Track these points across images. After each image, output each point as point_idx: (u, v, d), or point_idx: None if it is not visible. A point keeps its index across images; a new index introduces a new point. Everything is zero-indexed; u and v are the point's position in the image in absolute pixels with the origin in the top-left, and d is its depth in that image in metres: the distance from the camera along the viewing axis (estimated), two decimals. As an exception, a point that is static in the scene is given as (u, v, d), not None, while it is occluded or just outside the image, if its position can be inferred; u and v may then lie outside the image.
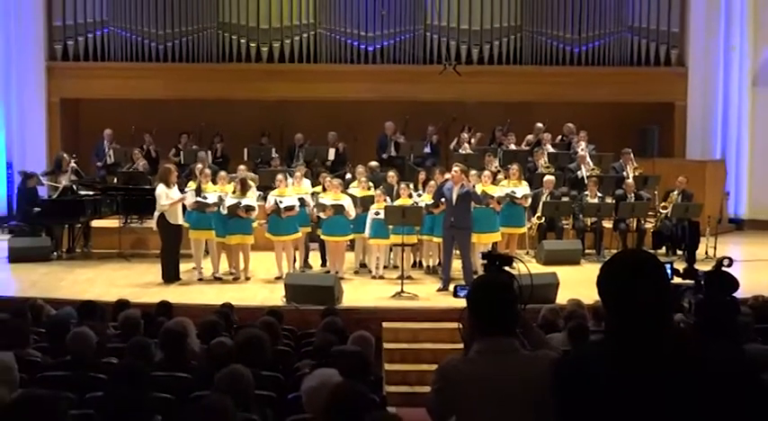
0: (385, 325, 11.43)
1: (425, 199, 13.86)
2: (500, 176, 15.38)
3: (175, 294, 12.28)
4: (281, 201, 13.52)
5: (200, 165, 14.72)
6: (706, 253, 14.98)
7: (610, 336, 2.94)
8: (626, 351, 2.83)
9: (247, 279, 13.73)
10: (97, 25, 19.48)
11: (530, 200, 14.91)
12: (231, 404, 4.44)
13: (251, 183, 14.44)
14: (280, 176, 14.06)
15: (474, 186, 13.14)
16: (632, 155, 17.15)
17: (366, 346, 7.01)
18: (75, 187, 16.16)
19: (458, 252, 13.06)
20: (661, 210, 15.85)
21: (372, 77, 19.59)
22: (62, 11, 19.39)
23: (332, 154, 17.89)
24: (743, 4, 19.14)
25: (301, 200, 13.78)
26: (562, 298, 10.83)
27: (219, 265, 13.94)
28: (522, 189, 14.84)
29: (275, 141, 18.93)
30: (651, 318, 2.83)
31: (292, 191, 13.91)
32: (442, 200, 13.30)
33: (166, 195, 13.35)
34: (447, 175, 14.13)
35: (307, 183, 15.09)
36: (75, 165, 16.47)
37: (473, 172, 14.05)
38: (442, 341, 10.80)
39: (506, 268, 4.33)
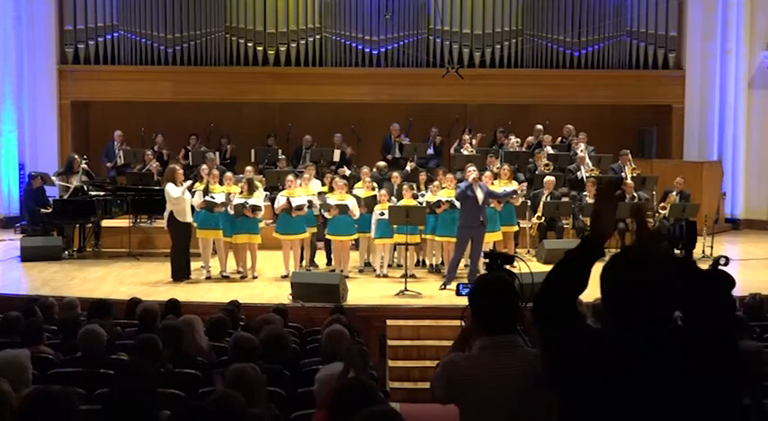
0: (389, 322, 11.58)
1: (428, 199, 14.02)
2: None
3: (183, 292, 12.47)
4: (292, 201, 13.67)
5: (204, 167, 14.82)
6: (703, 252, 15.06)
7: (605, 322, 3.01)
8: (621, 333, 2.89)
9: (254, 277, 13.86)
10: (107, 29, 19.57)
11: (521, 199, 14.94)
12: (242, 399, 4.47)
13: (258, 183, 14.68)
14: (290, 177, 14.18)
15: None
16: (630, 156, 17.19)
17: (339, 341, 6.88)
18: (85, 188, 16.30)
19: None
20: (660, 211, 15.96)
21: (376, 80, 19.77)
22: (73, 15, 19.47)
23: (337, 155, 18.03)
24: (739, 9, 19.20)
25: (309, 201, 13.91)
26: (561, 296, 11.01)
27: (227, 264, 14.11)
28: (513, 188, 14.81)
29: (281, 143, 19.08)
30: (649, 311, 2.89)
31: (301, 191, 14.04)
32: (444, 199, 13.58)
33: (176, 189, 13.54)
34: (449, 176, 14.42)
35: (316, 183, 15.27)
36: (85, 166, 16.56)
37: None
38: (444, 338, 10.87)
39: (508, 267, 4.35)
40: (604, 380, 2.86)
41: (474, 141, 18.21)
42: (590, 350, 2.92)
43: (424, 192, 14.72)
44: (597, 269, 3.06)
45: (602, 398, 2.87)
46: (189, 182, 13.93)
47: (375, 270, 14.32)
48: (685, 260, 3.21)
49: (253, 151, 18.36)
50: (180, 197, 13.53)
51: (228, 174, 14.59)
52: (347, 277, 13.25)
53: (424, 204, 13.85)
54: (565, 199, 16.25)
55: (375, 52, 19.87)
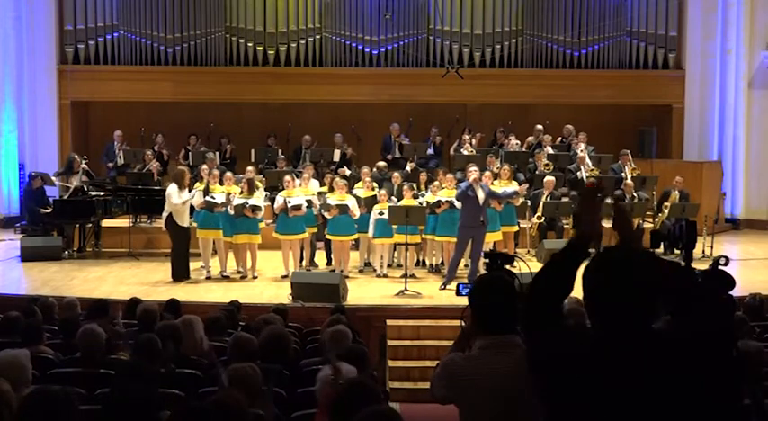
0: (389, 322, 11.59)
1: (428, 199, 14.04)
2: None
3: (184, 292, 12.48)
4: (289, 201, 13.69)
5: (204, 167, 14.83)
6: (703, 252, 15.07)
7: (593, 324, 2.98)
8: (610, 334, 2.86)
9: (254, 277, 13.87)
10: (107, 29, 19.57)
11: (521, 199, 14.90)
12: (243, 399, 4.47)
13: (258, 183, 14.70)
14: (288, 177, 14.20)
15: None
16: (630, 156, 17.20)
17: (342, 341, 6.94)
18: (85, 188, 16.31)
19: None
20: (664, 209, 15.95)
21: (376, 80, 19.78)
22: (73, 15, 19.47)
23: (337, 155, 18.02)
24: (739, 9, 19.19)
25: (309, 201, 13.93)
26: (561, 296, 11.01)
27: (227, 264, 14.12)
28: (514, 189, 14.83)
29: (281, 143, 19.08)
30: (633, 312, 2.87)
31: (300, 191, 14.05)
32: (444, 199, 13.58)
33: (177, 194, 13.53)
34: (449, 176, 14.43)
35: (315, 183, 15.27)
36: (85, 166, 16.56)
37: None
38: (444, 338, 10.86)
39: (508, 267, 4.34)
40: (592, 381, 2.84)
41: (474, 141, 18.22)
42: (576, 351, 2.91)
43: (424, 192, 14.72)
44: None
45: (590, 400, 2.85)
46: (191, 194, 13.83)
47: (375, 270, 14.33)
48: (672, 261, 3.20)
49: (253, 151, 18.35)
50: (179, 203, 13.53)
51: (228, 174, 14.59)
52: (347, 277, 13.25)
53: (425, 204, 13.84)
54: (565, 199, 16.23)
55: (375, 52, 19.87)
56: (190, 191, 13.85)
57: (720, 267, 5.22)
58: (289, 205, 13.67)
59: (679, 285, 3.01)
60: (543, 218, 15.88)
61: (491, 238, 13.66)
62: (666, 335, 2.90)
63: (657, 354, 2.82)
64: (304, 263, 14.24)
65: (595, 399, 2.84)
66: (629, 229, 3.25)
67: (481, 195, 12.74)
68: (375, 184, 14.85)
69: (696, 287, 3.05)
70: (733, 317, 5.93)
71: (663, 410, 2.79)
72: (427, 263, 14.75)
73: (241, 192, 13.90)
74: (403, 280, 12.95)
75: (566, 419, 2.92)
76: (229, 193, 13.76)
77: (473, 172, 12.97)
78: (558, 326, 3.02)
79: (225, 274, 14.02)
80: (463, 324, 4.30)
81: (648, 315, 2.91)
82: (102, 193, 16.39)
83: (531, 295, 3.10)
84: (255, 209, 13.72)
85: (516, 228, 15.26)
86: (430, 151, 18.53)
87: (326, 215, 13.91)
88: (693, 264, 5.07)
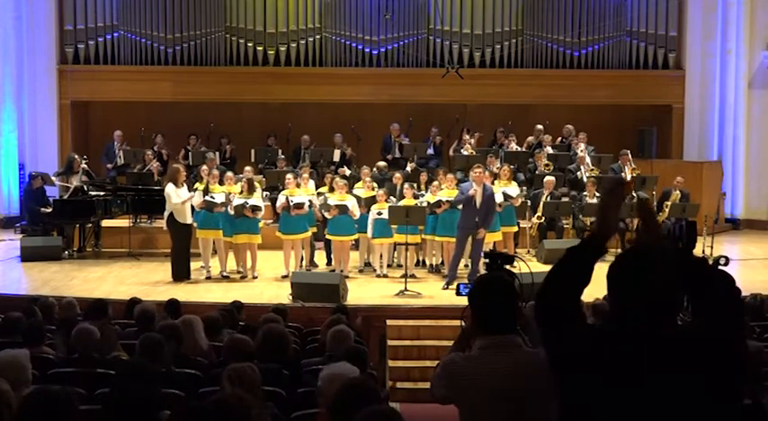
0: (389, 322, 11.57)
1: (428, 199, 14.04)
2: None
3: (184, 292, 12.48)
4: (292, 200, 13.68)
5: (204, 167, 14.81)
6: (703, 252, 15.08)
7: (609, 321, 3.01)
8: (622, 332, 2.88)
9: (254, 277, 13.87)
10: (107, 29, 19.57)
11: (521, 200, 14.90)
12: (245, 399, 4.41)
13: (257, 184, 14.70)
14: (289, 176, 14.22)
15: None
16: (630, 156, 17.20)
17: (343, 341, 6.98)
18: (85, 188, 16.32)
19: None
20: (665, 208, 15.96)
21: (376, 80, 19.78)
22: (73, 15, 19.47)
23: (337, 155, 18.02)
24: (739, 9, 19.20)
25: (309, 201, 13.92)
26: (561, 296, 11.01)
27: (227, 264, 14.13)
28: (513, 189, 14.87)
29: (282, 143, 19.09)
30: (655, 310, 2.89)
31: (302, 191, 14.05)
32: (444, 199, 13.58)
33: (176, 194, 13.55)
34: (450, 176, 14.45)
35: (311, 183, 15.27)
36: (86, 166, 16.58)
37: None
38: (444, 338, 10.86)
39: (508, 267, 4.37)
40: (605, 378, 2.84)
41: (472, 141, 18.21)
42: (591, 349, 2.91)
43: (424, 192, 14.72)
44: (600, 268, 3.04)
45: (602, 397, 2.86)
46: (191, 194, 13.86)
47: (375, 270, 14.32)
48: (698, 259, 3.20)
49: (253, 151, 18.36)
50: (178, 203, 13.53)
51: (229, 174, 14.60)
52: (347, 277, 13.25)
53: (425, 204, 13.84)
54: (565, 199, 16.25)
55: (375, 52, 19.87)
56: (189, 189, 13.85)
57: (720, 267, 5.21)
58: (291, 203, 13.66)
59: (697, 283, 3.01)
60: (543, 218, 15.89)
61: (491, 238, 13.65)
62: (670, 334, 2.90)
63: (661, 353, 2.83)
64: (304, 263, 14.23)
65: (599, 397, 2.85)
66: (655, 225, 3.25)
67: (479, 200, 12.74)
68: (375, 184, 14.84)
69: (712, 283, 3.05)
70: (743, 314, 5.94)
71: (664, 409, 2.80)
72: (427, 263, 14.74)
73: (241, 192, 13.89)
74: (403, 280, 12.95)
75: (576, 417, 2.93)
76: (229, 193, 13.77)
77: (478, 174, 12.94)
78: (574, 322, 3.01)
79: (225, 274, 14.02)
80: (463, 324, 4.29)
81: (673, 312, 2.93)
82: (102, 193, 16.39)
83: (544, 290, 3.09)
84: (255, 209, 13.72)
85: (516, 229, 15.26)
86: (430, 151, 18.54)
87: (326, 215, 13.91)
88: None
